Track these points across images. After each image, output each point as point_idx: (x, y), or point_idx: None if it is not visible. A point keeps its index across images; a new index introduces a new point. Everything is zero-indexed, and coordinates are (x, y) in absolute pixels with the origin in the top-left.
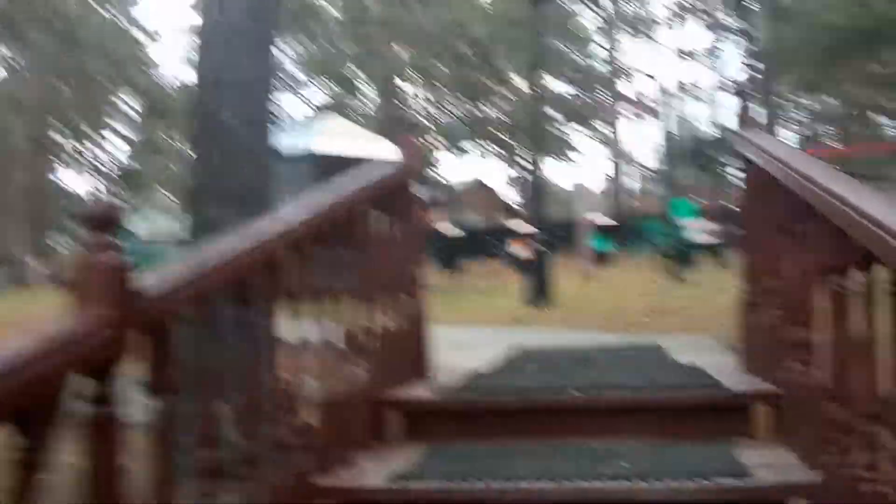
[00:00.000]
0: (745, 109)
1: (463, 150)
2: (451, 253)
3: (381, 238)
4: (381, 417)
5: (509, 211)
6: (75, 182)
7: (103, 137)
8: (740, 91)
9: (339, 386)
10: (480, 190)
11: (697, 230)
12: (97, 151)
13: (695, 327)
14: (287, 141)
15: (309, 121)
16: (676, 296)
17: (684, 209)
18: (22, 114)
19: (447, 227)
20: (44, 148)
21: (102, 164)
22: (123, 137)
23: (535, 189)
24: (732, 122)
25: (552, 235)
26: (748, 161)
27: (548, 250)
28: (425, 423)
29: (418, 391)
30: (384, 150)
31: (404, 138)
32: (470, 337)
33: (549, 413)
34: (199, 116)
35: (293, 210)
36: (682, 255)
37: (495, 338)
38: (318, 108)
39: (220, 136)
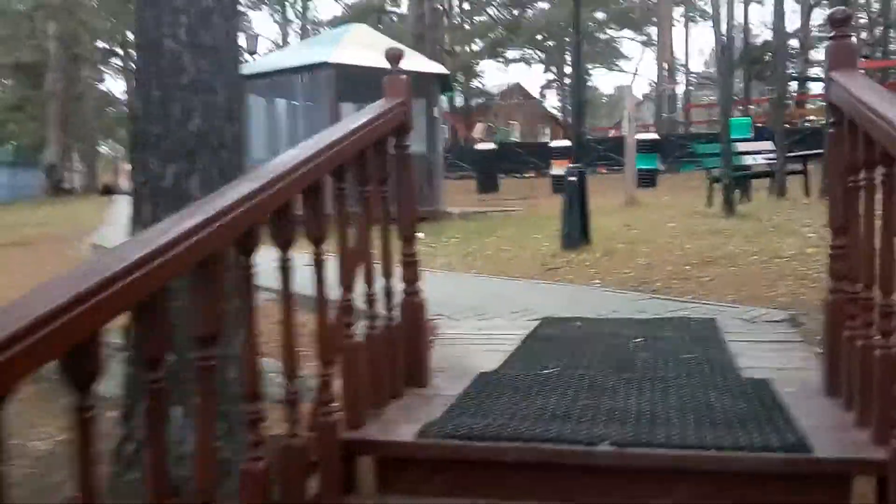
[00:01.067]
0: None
1: (504, 56)
2: (486, 169)
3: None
4: (352, 466)
5: (552, 120)
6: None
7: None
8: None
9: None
10: (521, 96)
11: (753, 153)
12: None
13: (753, 285)
14: (307, 53)
15: (336, 33)
16: (729, 233)
17: (741, 128)
18: (59, 19)
19: (482, 141)
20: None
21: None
22: None
23: (577, 100)
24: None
25: (595, 152)
26: (836, 109)
27: (587, 172)
28: (405, 473)
29: (400, 430)
30: (412, 63)
31: (393, 78)
32: (492, 295)
33: (566, 470)
34: (140, 45)
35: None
36: (736, 182)
37: (520, 301)
38: (346, 19)
39: (164, 68)
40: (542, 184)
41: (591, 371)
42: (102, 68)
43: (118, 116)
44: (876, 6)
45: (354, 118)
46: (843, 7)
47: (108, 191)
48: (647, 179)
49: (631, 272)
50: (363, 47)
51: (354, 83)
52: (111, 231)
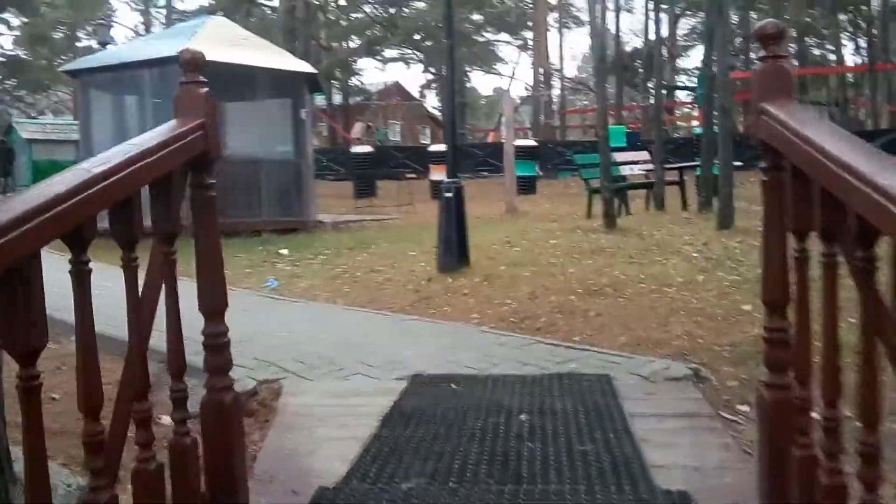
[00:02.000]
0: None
1: (382, 56)
2: (363, 173)
3: None
4: None
5: (432, 121)
6: None
7: None
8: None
9: None
10: (400, 96)
11: (630, 163)
12: None
13: (645, 324)
14: (156, 46)
15: (191, 25)
16: (612, 252)
17: (616, 137)
18: None
19: (361, 142)
20: None
21: None
22: None
23: (451, 110)
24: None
25: (473, 159)
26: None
27: (462, 187)
28: None
29: None
30: (270, 59)
31: (187, 90)
32: (357, 339)
33: None
34: None
35: None
36: (616, 193)
37: (388, 349)
38: (214, 10)
39: None
40: (422, 187)
41: (464, 486)
42: None
43: None
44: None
45: (116, 152)
46: (774, 20)
47: None
48: (526, 186)
49: (512, 303)
50: (220, 42)
51: (210, 80)
52: None
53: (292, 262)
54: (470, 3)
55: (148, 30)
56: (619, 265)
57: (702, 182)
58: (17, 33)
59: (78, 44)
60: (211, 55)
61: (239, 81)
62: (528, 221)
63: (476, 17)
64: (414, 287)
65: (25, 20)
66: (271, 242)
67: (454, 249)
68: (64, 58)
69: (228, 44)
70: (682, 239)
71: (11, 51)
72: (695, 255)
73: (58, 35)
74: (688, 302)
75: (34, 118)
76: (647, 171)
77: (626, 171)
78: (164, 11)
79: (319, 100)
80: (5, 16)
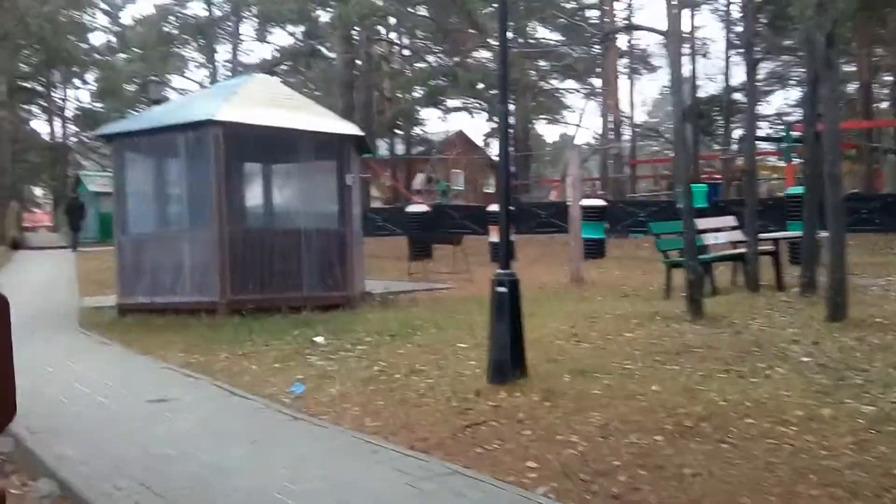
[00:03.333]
0: None
1: (444, 105)
2: (418, 234)
3: None
4: None
5: (495, 170)
6: None
7: None
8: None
9: None
10: (462, 145)
11: (714, 231)
12: None
13: (762, 498)
14: (192, 109)
15: (231, 84)
16: (702, 356)
17: (696, 198)
18: None
19: (417, 197)
20: None
21: None
22: None
23: (506, 196)
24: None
25: (535, 219)
26: None
27: (518, 282)
28: None
29: None
30: (313, 120)
31: None
32: None
33: None
34: None
35: None
36: (700, 270)
37: None
38: (276, 63)
39: None
40: (481, 248)
41: None
42: (27, 108)
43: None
44: None
45: None
46: None
47: (16, 245)
48: (594, 249)
49: (580, 443)
50: (259, 102)
51: (246, 142)
52: None
53: (327, 354)
54: (534, 53)
55: (213, 83)
56: (715, 379)
57: (804, 258)
58: (94, 87)
59: (146, 96)
60: (246, 117)
61: (278, 144)
62: (597, 296)
63: (542, 63)
64: (459, 403)
65: (101, 75)
66: (310, 324)
67: (508, 354)
68: (136, 110)
69: (268, 104)
70: (786, 334)
71: (88, 104)
72: (805, 359)
73: (130, 88)
74: (815, 455)
75: (106, 170)
76: (737, 241)
77: (709, 238)
78: (230, 64)
79: (381, 150)
80: (81, 70)
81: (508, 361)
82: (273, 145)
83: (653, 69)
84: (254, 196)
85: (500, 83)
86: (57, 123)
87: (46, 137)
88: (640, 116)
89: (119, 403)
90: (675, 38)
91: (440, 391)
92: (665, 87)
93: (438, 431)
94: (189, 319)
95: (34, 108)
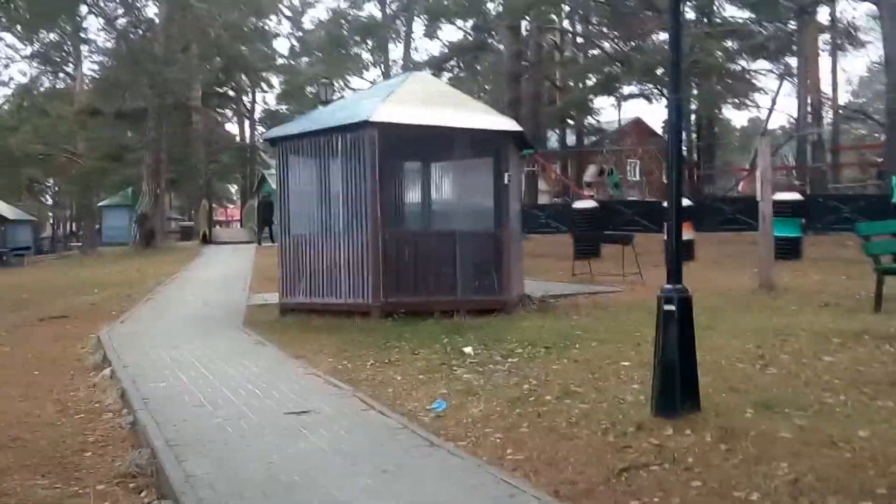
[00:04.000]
0: None
1: (620, 92)
2: (585, 232)
3: None
4: None
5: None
6: None
7: None
8: None
9: None
10: (639, 134)
11: None
12: None
13: None
14: (349, 110)
15: (390, 84)
16: None
17: None
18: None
19: (588, 191)
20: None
21: None
22: None
23: (678, 184)
24: None
25: (719, 215)
26: None
27: (688, 290)
28: None
29: None
30: (469, 117)
31: None
32: None
33: None
34: None
35: None
36: None
37: None
38: (445, 59)
39: None
40: (654, 247)
41: None
42: (222, 111)
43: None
44: None
45: None
46: None
47: (206, 240)
48: (788, 249)
49: None
50: (415, 101)
51: (401, 142)
52: (152, 309)
53: (475, 366)
54: (720, 32)
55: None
56: None
57: None
58: (279, 90)
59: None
60: (402, 116)
61: (434, 143)
62: (791, 307)
63: (729, 44)
64: (616, 438)
65: (286, 77)
66: (461, 331)
67: (676, 383)
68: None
69: (425, 102)
70: None
71: (273, 106)
72: None
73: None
74: None
75: None
76: None
77: None
78: (401, 62)
79: (551, 142)
80: (267, 75)
81: (677, 391)
82: (429, 145)
83: (860, 44)
84: (409, 197)
85: (672, 70)
86: (246, 125)
87: (237, 139)
88: (844, 98)
89: (259, 414)
90: (890, 8)
91: (595, 420)
92: (875, 63)
93: (589, 473)
94: (344, 321)
95: (227, 112)
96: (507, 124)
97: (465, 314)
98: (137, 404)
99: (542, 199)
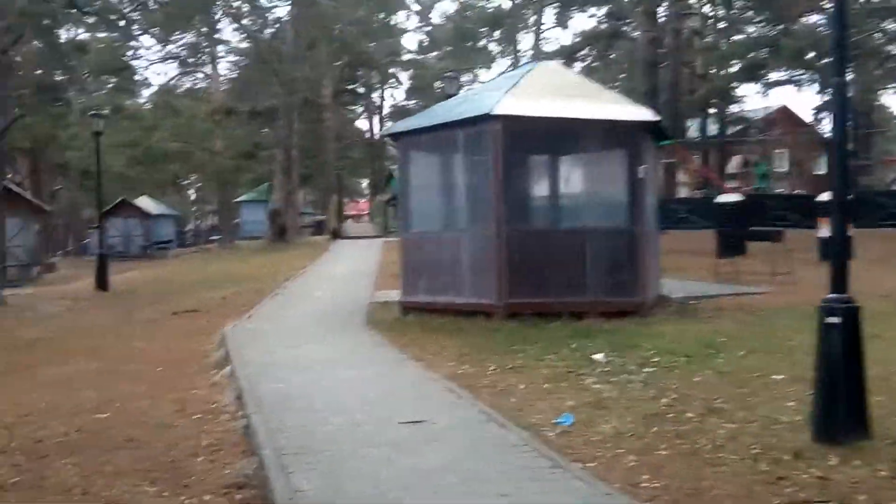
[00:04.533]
0: None
1: (766, 79)
2: (729, 228)
3: None
4: None
5: (826, 149)
6: None
7: None
8: None
9: None
10: (786, 122)
11: None
12: None
13: None
14: (472, 103)
15: (513, 75)
16: None
17: None
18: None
19: (730, 185)
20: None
21: None
22: None
23: (845, 169)
24: None
25: (880, 210)
26: None
27: (855, 300)
28: None
29: None
30: (600, 108)
31: None
32: None
33: None
34: None
35: None
36: None
37: None
38: (575, 49)
39: None
40: (806, 245)
41: None
42: (352, 108)
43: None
44: None
45: None
46: None
47: (336, 235)
48: None
49: None
50: (541, 92)
51: (527, 135)
52: (277, 306)
53: (606, 375)
54: (880, 11)
55: None
56: None
57: None
58: (408, 85)
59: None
60: (527, 109)
61: (562, 136)
62: None
63: (891, 25)
64: (770, 467)
65: (414, 72)
66: (590, 335)
67: (840, 403)
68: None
69: (552, 93)
70: None
71: (403, 102)
72: None
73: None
74: None
75: None
76: None
77: None
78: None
79: (691, 132)
80: (396, 70)
81: (842, 414)
82: (556, 138)
83: None
84: (535, 192)
85: (836, 50)
86: (376, 121)
87: (367, 135)
88: None
89: (373, 423)
90: None
91: (744, 444)
92: None
93: None
94: (466, 322)
95: (357, 109)
96: (642, 114)
97: (595, 316)
98: (252, 407)
99: (681, 193)
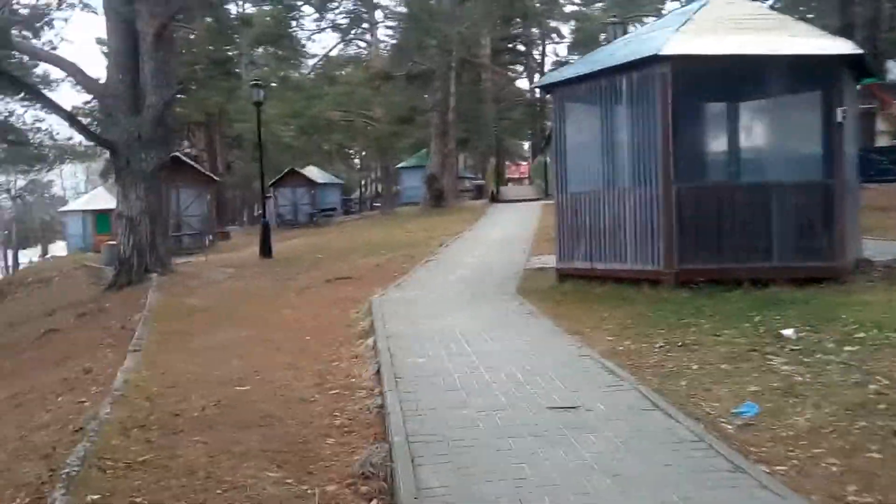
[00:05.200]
0: None
1: None
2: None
3: None
4: None
5: None
6: None
7: None
8: None
9: None
10: None
11: None
12: None
13: None
14: (635, 45)
15: (685, 11)
16: None
17: None
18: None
19: None
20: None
21: None
22: None
23: None
24: None
25: None
26: None
27: None
28: None
29: None
30: (788, 42)
31: None
32: None
33: None
34: None
35: None
36: None
37: None
38: None
39: None
40: None
41: None
42: (512, 68)
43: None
44: None
45: None
46: None
47: (494, 199)
48: None
49: None
50: (717, 28)
51: (701, 78)
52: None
53: (798, 355)
54: None
55: None
56: None
57: None
58: (570, 40)
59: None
60: (701, 47)
61: (743, 77)
62: None
63: None
64: None
65: (576, 25)
66: (778, 306)
67: None
68: None
69: (730, 28)
70: None
71: (566, 57)
72: None
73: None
74: None
75: None
76: None
77: None
78: None
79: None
80: (557, 23)
81: None
82: (736, 79)
83: None
84: (710, 145)
85: None
86: (536, 79)
87: (528, 95)
88: None
89: (518, 407)
90: None
91: None
92: None
93: None
94: (629, 291)
95: (518, 68)
96: (841, 46)
97: (782, 284)
98: (388, 384)
99: (881, 142)
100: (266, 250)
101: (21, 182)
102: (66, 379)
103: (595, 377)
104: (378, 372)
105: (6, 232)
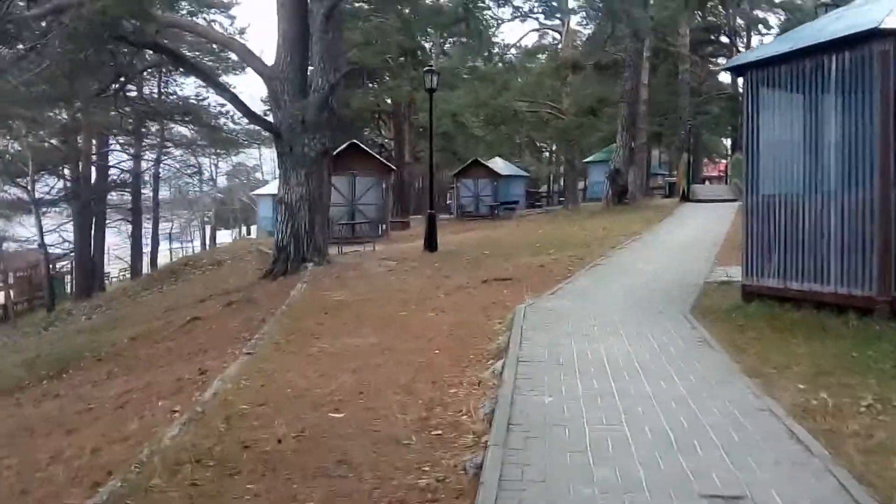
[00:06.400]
0: None
1: None
2: None
3: None
4: None
5: None
6: None
7: None
8: None
9: None
10: None
11: None
12: None
13: None
14: (848, 18)
15: None
16: None
17: None
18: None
19: None
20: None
21: None
22: None
23: None
24: None
25: None
26: None
27: None
28: None
29: None
30: None
31: None
32: None
33: None
34: None
35: None
36: None
37: None
38: None
39: None
40: None
41: None
42: (714, 60)
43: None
44: None
45: None
46: None
47: (684, 197)
48: None
49: None
50: None
51: None
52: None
53: None
54: None
55: None
56: None
57: None
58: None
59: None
60: None
61: None
62: None
63: None
64: None
65: (785, 17)
66: None
67: None
68: None
69: None
70: None
71: None
72: None
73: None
74: None
75: None
76: None
77: None
78: None
79: None
80: (764, 14)
81: None
82: None
83: None
84: None
85: None
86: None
87: (730, 89)
88: None
89: (659, 489)
90: None
91: None
92: None
93: None
94: (831, 320)
95: (721, 60)
96: None
97: None
98: (497, 434)
99: None
100: (431, 243)
101: (224, 167)
102: (180, 379)
103: (774, 446)
104: (492, 412)
105: (209, 213)
